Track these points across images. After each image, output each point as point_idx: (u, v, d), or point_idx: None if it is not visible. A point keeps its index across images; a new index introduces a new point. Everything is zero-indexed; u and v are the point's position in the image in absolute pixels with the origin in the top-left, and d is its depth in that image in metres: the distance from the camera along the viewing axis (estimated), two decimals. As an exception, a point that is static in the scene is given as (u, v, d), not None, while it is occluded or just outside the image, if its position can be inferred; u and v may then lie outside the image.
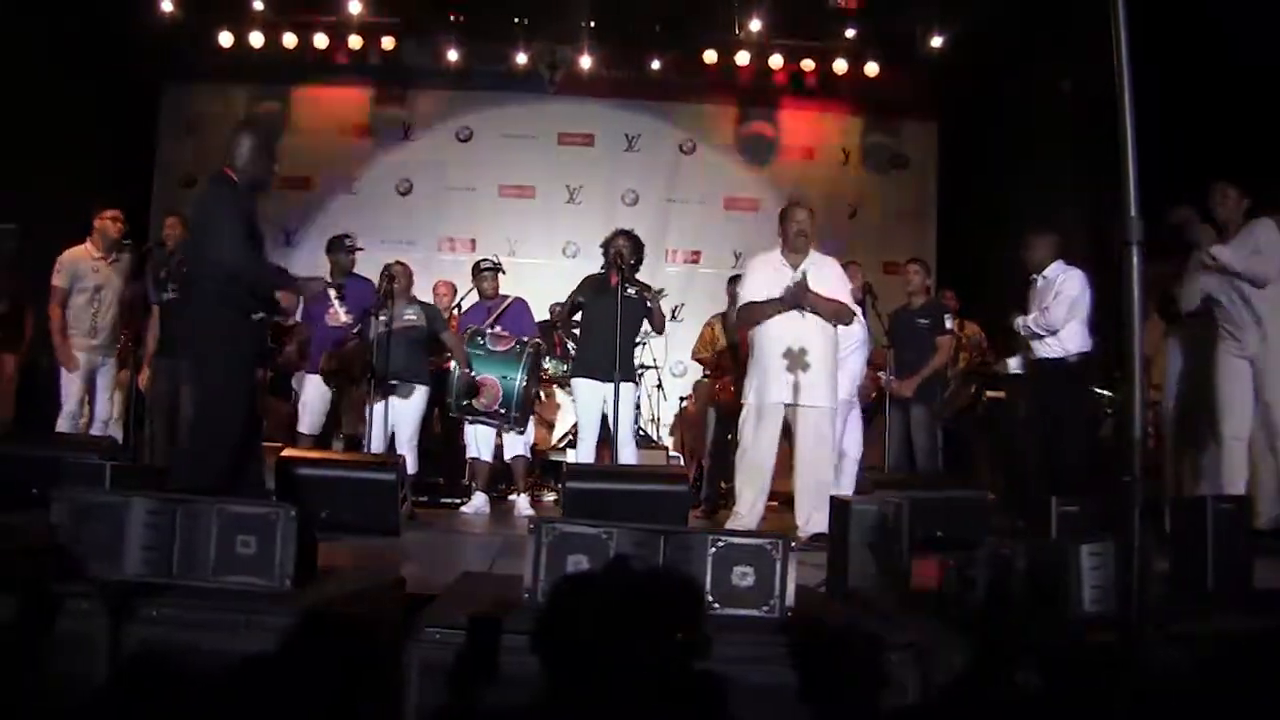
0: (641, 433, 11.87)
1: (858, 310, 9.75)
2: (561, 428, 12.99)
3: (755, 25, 14.89)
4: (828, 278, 8.79)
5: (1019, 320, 9.60)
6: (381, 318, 9.86)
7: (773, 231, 9.10)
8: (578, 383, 9.97)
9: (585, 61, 15.59)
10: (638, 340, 10.40)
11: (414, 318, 10.20)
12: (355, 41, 15.06)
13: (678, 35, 15.64)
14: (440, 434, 11.90)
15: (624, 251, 9.73)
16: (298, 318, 10.41)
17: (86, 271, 9.96)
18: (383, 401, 9.84)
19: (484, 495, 10.49)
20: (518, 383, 9.92)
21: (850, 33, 15.19)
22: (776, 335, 8.57)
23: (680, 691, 3.63)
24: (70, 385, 9.97)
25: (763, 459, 8.66)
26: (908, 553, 5.36)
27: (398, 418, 10.14)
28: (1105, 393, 10.76)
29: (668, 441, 13.91)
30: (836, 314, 8.75)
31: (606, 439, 9.75)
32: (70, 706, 3.61)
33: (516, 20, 15.48)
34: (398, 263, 10.37)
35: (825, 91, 16.03)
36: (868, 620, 4.29)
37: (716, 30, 15.25)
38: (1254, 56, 9.47)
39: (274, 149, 7.51)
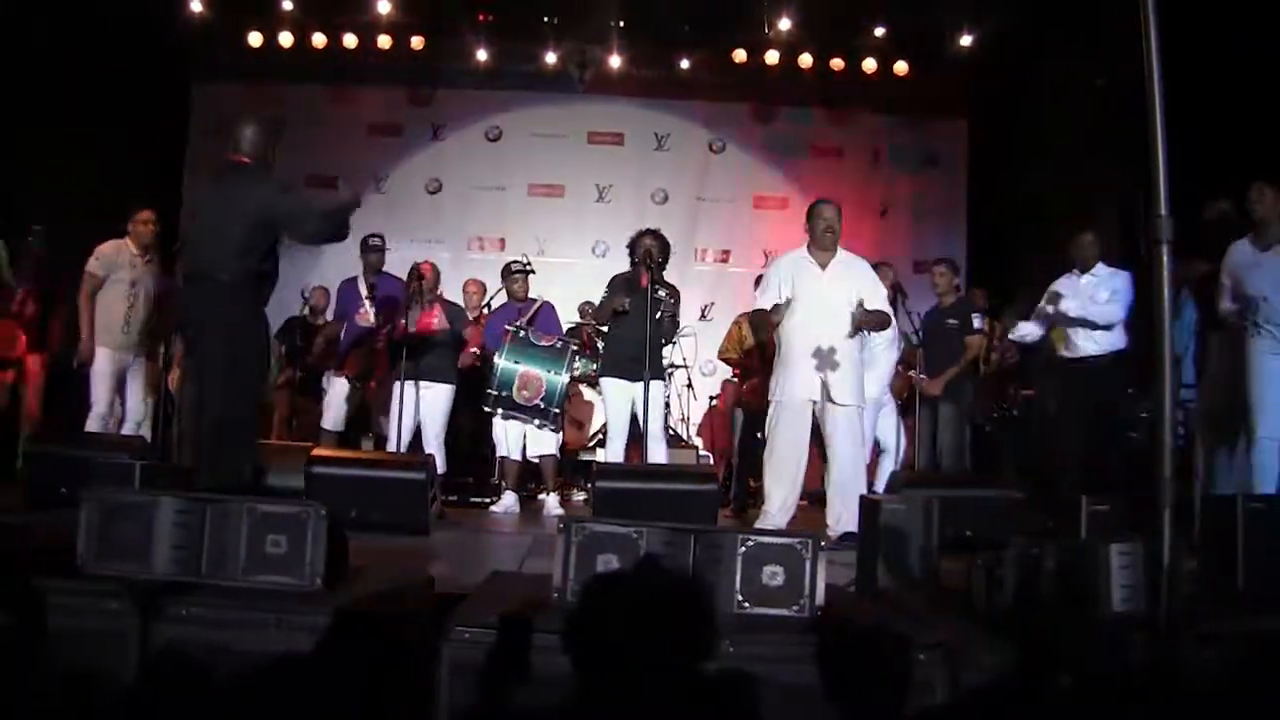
0: (671, 432, 11.87)
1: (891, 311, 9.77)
2: (592, 427, 12.98)
3: (785, 24, 14.86)
4: (860, 277, 8.78)
5: (1069, 303, 9.51)
6: (412, 318, 9.91)
7: (802, 230, 9.06)
8: (606, 382, 9.98)
9: (615, 61, 15.59)
10: (666, 342, 10.38)
11: (437, 320, 10.24)
12: (385, 41, 15.05)
13: (707, 34, 15.62)
14: (469, 433, 11.91)
15: (653, 251, 9.74)
16: (329, 316, 10.47)
17: (124, 265, 9.95)
18: (409, 401, 9.86)
19: (514, 494, 10.51)
20: (562, 379, 9.93)
21: (879, 32, 15.15)
22: (803, 334, 8.54)
23: (710, 691, 3.63)
24: (100, 385, 9.97)
25: (790, 458, 8.63)
26: (937, 552, 5.35)
27: (425, 417, 10.18)
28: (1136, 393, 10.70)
29: (697, 440, 13.90)
30: (883, 325, 8.75)
31: (637, 438, 9.74)
32: (99, 706, 3.63)
33: (546, 20, 15.48)
34: (427, 263, 10.41)
35: (854, 90, 15.98)
36: (897, 620, 4.28)
37: (746, 29, 15.22)
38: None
39: (277, 140, 7.61)
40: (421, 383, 10.05)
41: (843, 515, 8.25)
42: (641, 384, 9.17)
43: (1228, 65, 9.90)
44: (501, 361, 9.91)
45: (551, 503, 10.44)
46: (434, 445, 10.21)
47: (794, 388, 8.57)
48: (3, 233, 10.42)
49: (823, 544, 4.19)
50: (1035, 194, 14.54)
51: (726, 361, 12.21)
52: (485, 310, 11.71)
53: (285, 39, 15.01)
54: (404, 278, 10.51)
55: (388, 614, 3.85)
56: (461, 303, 11.86)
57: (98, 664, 3.71)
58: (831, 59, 15.45)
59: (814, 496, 9.58)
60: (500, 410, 10.13)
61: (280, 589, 4.12)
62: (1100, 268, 9.60)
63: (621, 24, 15.38)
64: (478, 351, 10.75)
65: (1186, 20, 5.90)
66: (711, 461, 12.95)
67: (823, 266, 8.71)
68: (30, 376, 10.75)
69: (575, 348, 10.32)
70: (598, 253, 15.71)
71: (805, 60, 15.33)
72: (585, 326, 12.50)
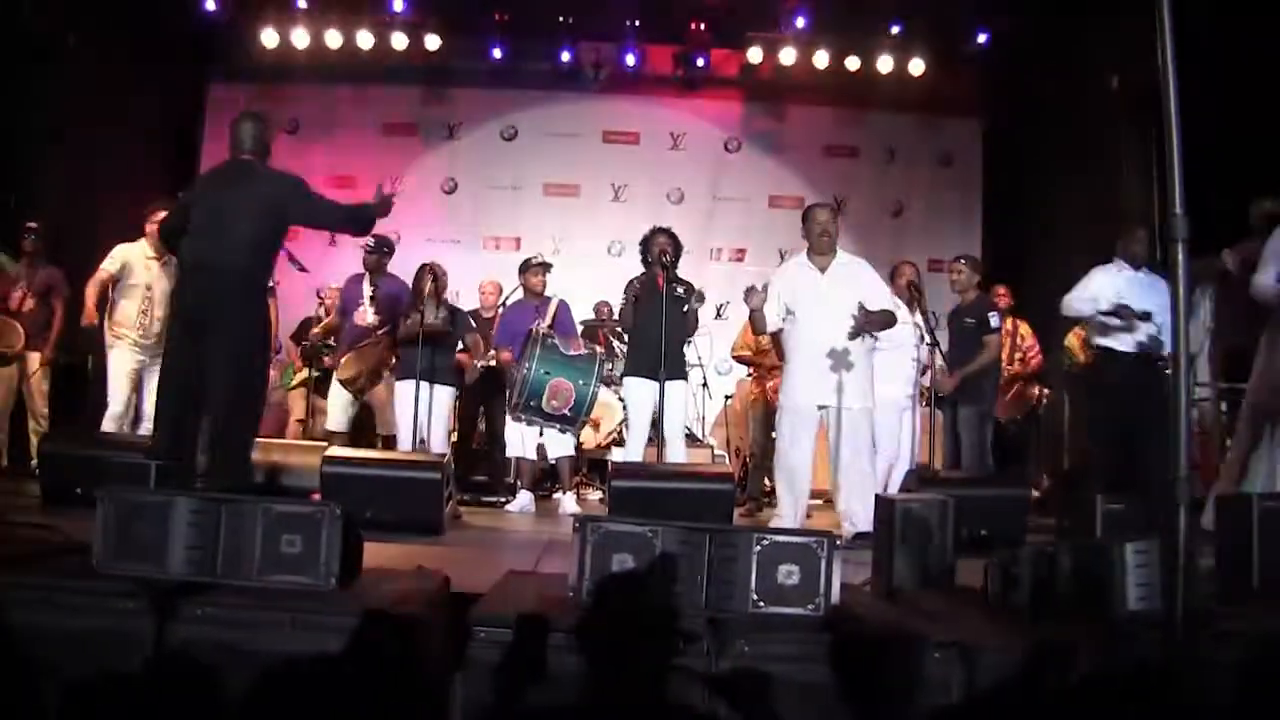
0: (687, 430, 11.87)
1: (898, 307, 9.74)
2: (607, 426, 12.98)
3: (800, 23, 14.85)
4: (860, 278, 8.75)
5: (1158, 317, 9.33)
6: (427, 316, 9.92)
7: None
8: (630, 381, 9.95)
9: (630, 60, 15.59)
10: (687, 339, 10.37)
11: (438, 319, 10.27)
12: (400, 41, 15.06)
13: (722, 33, 15.63)
14: (486, 433, 11.93)
15: (667, 249, 9.73)
16: (330, 311, 10.54)
17: (139, 267, 9.98)
18: (413, 401, 9.86)
19: (529, 494, 10.53)
20: (592, 389, 9.93)
21: (895, 31, 15.14)
22: (809, 337, 8.53)
23: (726, 690, 3.63)
24: (117, 385, 10.00)
25: (800, 461, 8.61)
26: (952, 551, 5.35)
27: (430, 418, 10.17)
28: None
29: (713, 439, 13.89)
30: (887, 324, 8.71)
31: (656, 437, 9.74)
32: (113, 705, 3.63)
33: (561, 19, 15.50)
34: (439, 264, 10.42)
35: (869, 90, 15.93)
36: (912, 619, 4.28)
37: (761, 28, 15.22)
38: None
39: (272, 133, 7.93)
40: (424, 383, 10.04)
41: (855, 515, 8.24)
42: (667, 383, 9.19)
43: (1247, 63, 9.86)
44: (532, 372, 9.87)
45: (567, 502, 10.46)
46: (439, 444, 10.22)
47: (800, 392, 8.56)
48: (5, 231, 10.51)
49: (838, 543, 4.19)
50: (1050, 193, 14.53)
51: (740, 360, 12.18)
52: (501, 308, 11.70)
53: (300, 39, 15.01)
54: (408, 279, 10.56)
55: (403, 614, 3.85)
56: (478, 302, 11.88)
57: (113, 663, 3.71)
58: (846, 58, 15.41)
59: (828, 498, 9.56)
60: (526, 418, 10.14)
61: (295, 589, 4.13)
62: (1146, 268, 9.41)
63: (637, 23, 15.39)
64: (495, 354, 10.80)
65: (1204, 18, 5.88)
66: (726, 460, 12.93)
67: (822, 270, 8.69)
68: (31, 373, 10.77)
69: (603, 355, 10.31)
70: (613, 252, 15.68)
71: (820, 59, 15.30)
72: (601, 326, 12.51)
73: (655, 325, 9.29)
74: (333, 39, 15.04)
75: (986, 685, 3.74)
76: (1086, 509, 7.05)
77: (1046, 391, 12.22)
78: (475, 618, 3.90)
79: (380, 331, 10.42)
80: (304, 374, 12.17)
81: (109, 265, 9.98)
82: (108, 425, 9.87)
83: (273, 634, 3.80)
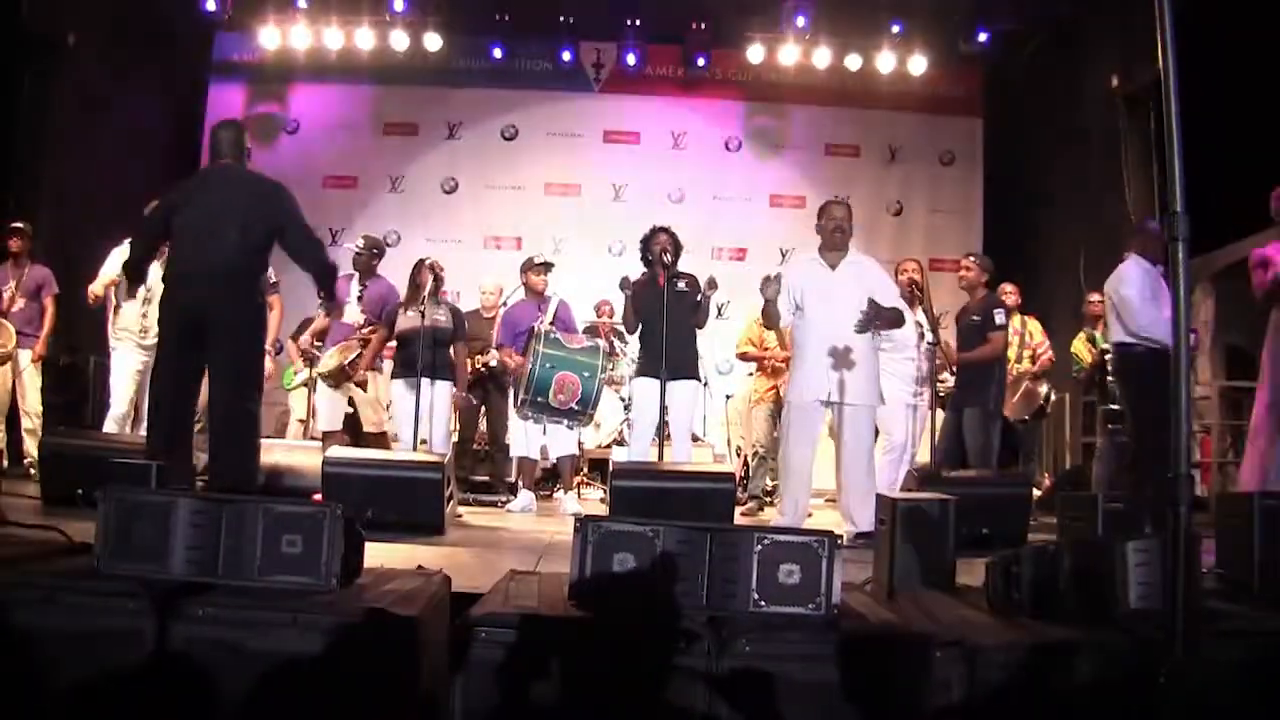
0: (688, 429, 11.89)
1: (905, 307, 9.76)
2: (607, 426, 12.98)
3: (800, 22, 14.86)
4: (871, 278, 8.72)
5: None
6: (412, 312, 9.93)
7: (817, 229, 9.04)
8: (638, 381, 9.96)
9: (631, 59, 15.61)
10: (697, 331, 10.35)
11: (444, 320, 10.32)
12: (400, 40, 15.07)
13: (723, 33, 15.65)
14: (486, 433, 11.94)
15: (668, 248, 9.73)
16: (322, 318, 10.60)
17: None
18: (412, 399, 9.86)
19: (530, 493, 10.55)
20: (598, 380, 9.93)
21: (895, 30, 15.16)
22: (817, 333, 8.51)
23: (727, 690, 3.63)
24: (120, 385, 10.02)
25: (804, 458, 8.59)
26: (953, 550, 5.34)
27: (430, 416, 10.18)
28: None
29: (714, 438, 13.88)
30: (895, 322, 8.70)
31: (666, 437, 9.74)
32: (117, 705, 3.64)
33: (562, 19, 15.52)
34: (438, 262, 10.42)
35: (871, 88, 15.96)
36: (913, 618, 4.28)
37: (762, 28, 15.23)
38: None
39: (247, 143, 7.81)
40: (424, 380, 10.04)
41: (857, 514, 8.23)
42: (673, 383, 9.21)
43: (1247, 59, 9.87)
44: (537, 367, 9.87)
45: (568, 502, 10.48)
46: (441, 444, 10.23)
47: (807, 388, 8.54)
48: None
49: (839, 542, 4.19)
50: (1051, 191, 14.55)
51: (745, 357, 12.16)
52: (502, 308, 11.71)
53: (300, 38, 15.03)
54: (399, 277, 10.60)
55: (403, 614, 3.85)
56: (479, 302, 11.89)
57: (115, 663, 3.72)
58: (847, 57, 15.43)
59: (830, 497, 9.56)
60: (533, 415, 10.13)
61: (296, 589, 4.12)
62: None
63: (637, 23, 15.41)
64: (499, 353, 10.84)
65: (1204, 14, 5.89)
66: (727, 459, 12.94)
67: (833, 267, 8.67)
68: (20, 371, 10.79)
69: (606, 347, 10.31)
70: (614, 252, 15.70)
71: (821, 58, 15.32)
72: (601, 325, 12.51)
73: (659, 325, 9.29)
74: (333, 38, 15.07)
75: (988, 684, 3.74)
76: (1088, 508, 7.05)
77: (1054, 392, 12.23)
78: (476, 618, 3.90)
79: (365, 330, 10.43)
80: (305, 374, 12.17)
81: (109, 271, 10.01)
82: (109, 426, 9.92)
83: (274, 634, 3.79)
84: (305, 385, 11.89)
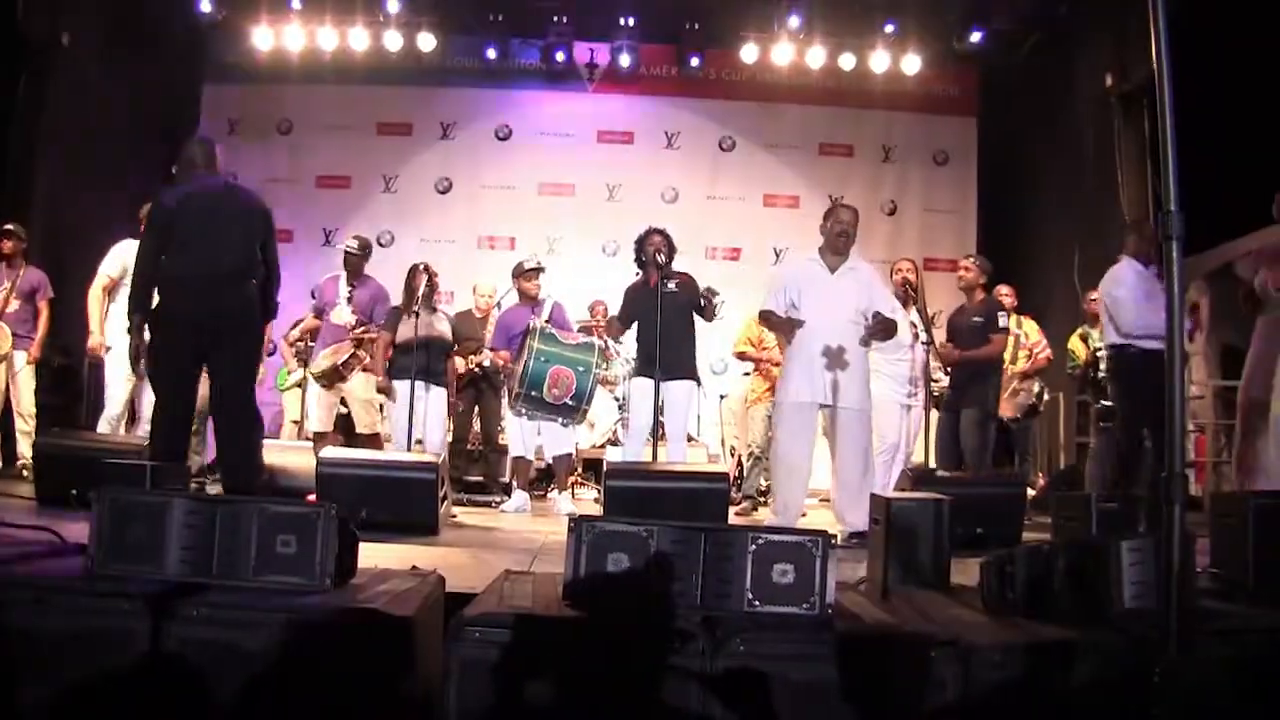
0: (683, 429, 11.89)
1: (893, 310, 9.79)
2: (602, 426, 12.98)
3: (794, 22, 14.86)
4: (866, 283, 8.75)
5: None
6: (412, 318, 9.92)
7: (813, 228, 9.04)
8: (635, 381, 10.00)
9: (624, 59, 15.61)
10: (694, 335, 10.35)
11: (444, 329, 10.37)
12: (394, 40, 15.05)
13: (716, 32, 15.65)
14: (480, 433, 11.95)
15: (661, 249, 9.73)
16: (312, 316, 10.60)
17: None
18: (408, 402, 9.87)
19: (524, 493, 10.56)
20: (592, 375, 9.92)
21: (889, 29, 15.15)
22: (809, 336, 8.51)
23: (722, 689, 3.63)
24: (116, 387, 10.03)
25: (798, 459, 8.60)
26: (948, 549, 5.35)
27: (427, 420, 10.19)
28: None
29: (708, 438, 13.88)
30: (890, 334, 8.72)
31: (661, 436, 9.75)
32: (111, 705, 3.64)
33: (555, 18, 15.51)
34: (430, 266, 10.42)
35: (864, 88, 15.97)
36: (907, 618, 4.28)
37: (755, 27, 15.23)
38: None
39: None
40: (420, 384, 10.05)
41: (851, 514, 8.25)
42: (669, 383, 9.22)
43: (1242, 59, 9.88)
44: (531, 361, 9.87)
45: (563, 502, 10.48)
46: (436, 445, 10.24)
47: (799, 389, 8.54)
48: None
49: (833, 542, 4.19)
50: (1046, 191, 14.56)
51: (742, 357, 12.15)
52: (496, 310, 11.72)
53: (294, 39, 15.01)
54: (401, 278, 10.61)
55: (398, 614, 3.85)
56: (471, 304, 11.89)
57: (109, 664, 3.72)
58: (841, 56, 15.42)
59: (825, 497, 9.57)
60: (527, 411, 10.12)
61: (290, 589, 4.12)
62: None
63: (631, 22, 15.41)
64: (492, 352, 10.86)
65: (1200, 17, 5.90)
66: (721, 459, 12.94)
67: (832, 270, 8.67)
68: (16, 372, 10.78)
69: (602, 343, 10.31)
70: (608, 252, 15.68)
71: (815, 58, 15.31)
72: (595, 326, 12.52)
73: (653, 326, 9.30)
74: (326, 39, 15.05)
75: (983, 684, 3.74)
76: (1082, 508, 7.06)
77: (1048, 392, 12.24)
78: (471, 618, 3.89)
79: (358, 331, 10.43)
80: (298, 374, 12.16)
81: (109, 269, 10.06)
82: (103, 427, 9.93)
83: (268, 634, 3.79)
84: (299, 386, 11.89)
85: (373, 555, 5.09)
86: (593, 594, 4.01)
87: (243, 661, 3.70)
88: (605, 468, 9.03)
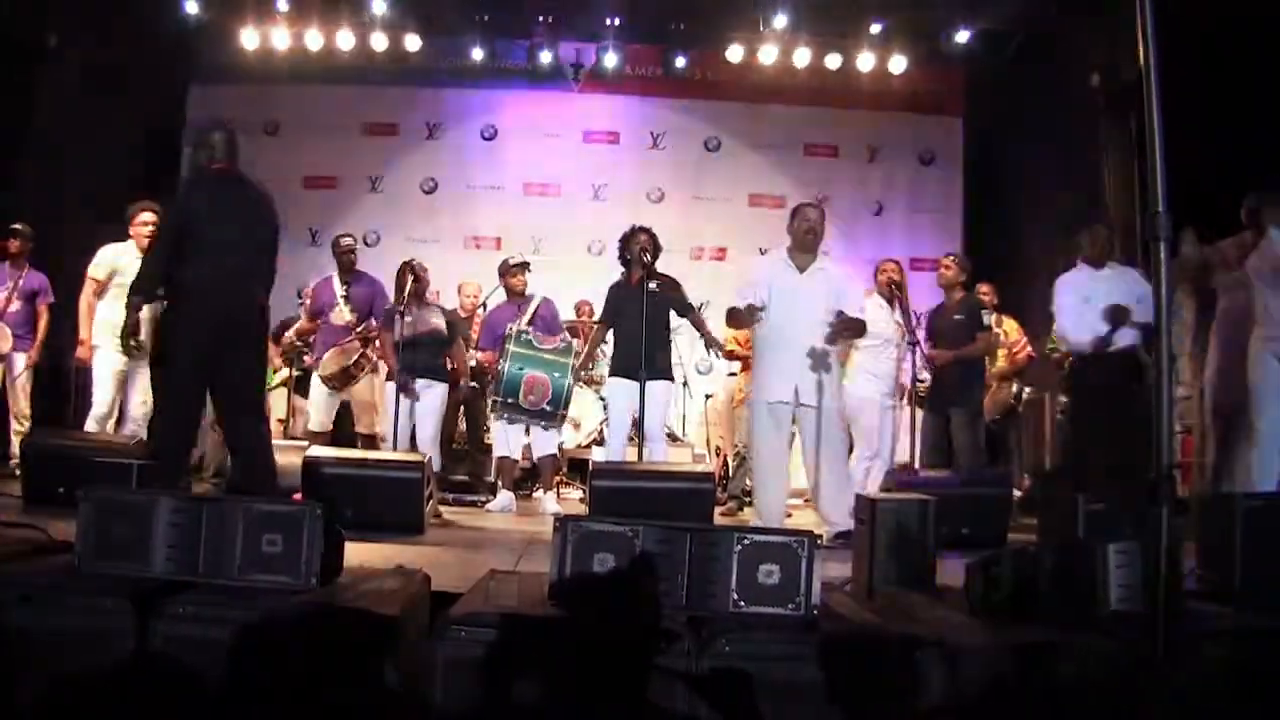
0: (667, 430, 11.86)
1: (879, 307, 9.84)
2: (587, 426, 12.98)
3: (780, 22, 14.84)
4: (835, 283, 8.74)
5: (1127, 307, 9.35)
6: (407, 318, 9.91)
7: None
8: (611, 381, 10.02)
9: (610, 59, 15.60)
10: (671, 337, 10.37)
11: (439, 324, 10.34)
12: (380, 41, 15.02)
13: (702, 32, 15.64)
14: (466, 432, 11.94)
15: (647, 248, 9.74)
16: (307, 319, 10.57)
17: (125, 268, 10.00)
18: (403, 400, 9.87)
19: (509, 493, 10.54)
20: (567, 381, 9.92)
21: (875, 29, 15.14)
22: (778, 336, 8.53)
23: (707, 689, 3.63)
24: (102, 386, 10.01)
25: (774, 459, 8.62)
26: (933, 551, 5.36)
27: (419, 416, 10.21)
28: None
29: (693, 438, 13.88)
30: (858, 333, 8.75)
31: (637, 436, 9.76)
32: (96, 704, 3.63)
33: (541, 19, 15.50)
34: (420, 263, 10.41)
35: (850, 88, 15.95)
36: (893, 619, 4.29)
37: (741, 27, 15.22)
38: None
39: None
40: (419, 382, 10.06)
41: (833, 514, 8.27)
42: (650, 383, 9.21)
43: (1231, 61, 9.89)
44: (507, 368, 9.89)
45: (548, 501, 10.47)
46: (429, 445, 10.22)
47: (770, 389, 8.55)
48: None
49: (819, 543, 4.20)
50: (1032, 190, 14.58)
51: (731, 356, 12.15)
52: (482, 309, 11.73)
53: (280, 40, 14.98)
54: (379, 279, 10.63)
55: (383, 613, 3.85)
56: (456, 303, 11.88)
57: (95, 662, 3.71)
58: (827, 56, 15.41)
59: (808, 497, 9.58)
60: (506, 415, 10.15)
61: (277, 588, 4.12)
62: (1112, 262, 9.46)
63: (617, 22, 15.40)
64: (480, 355, 10.89)
65: (1186, 15, 5.90)
66: (707, 459, 12.94)
67: (801, 270, 8.67)
68: (16, 375, 10.76)
69: (579, 346, 10.32)
70: (594, 251, 15.64)
71: (801, 58, 15.29)
72: (582, 325, 12.52)
73: (634, 325, 9.31)
74: (313, 40, 15.01)
75: (968, 685, 3.74)
76: (1068, 509, 7.07)
77: (1027, 390, 12.24)
78: (456, 617, 3.90)
79: (360, 329, 10.42)
80: (283, 374, 12.13)
81: (96, 272, 10.05)
82: (91, 425, 9.89)
83: (254, 633, 3.79)
84: (284, 385, 11.87)
85: (358, 554, 5.10)
86: (578, 594, 4.01)
87: (228, 660, 3.70)
88: (591, 468, 9.03)
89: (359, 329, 10.44)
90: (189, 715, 3.39)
